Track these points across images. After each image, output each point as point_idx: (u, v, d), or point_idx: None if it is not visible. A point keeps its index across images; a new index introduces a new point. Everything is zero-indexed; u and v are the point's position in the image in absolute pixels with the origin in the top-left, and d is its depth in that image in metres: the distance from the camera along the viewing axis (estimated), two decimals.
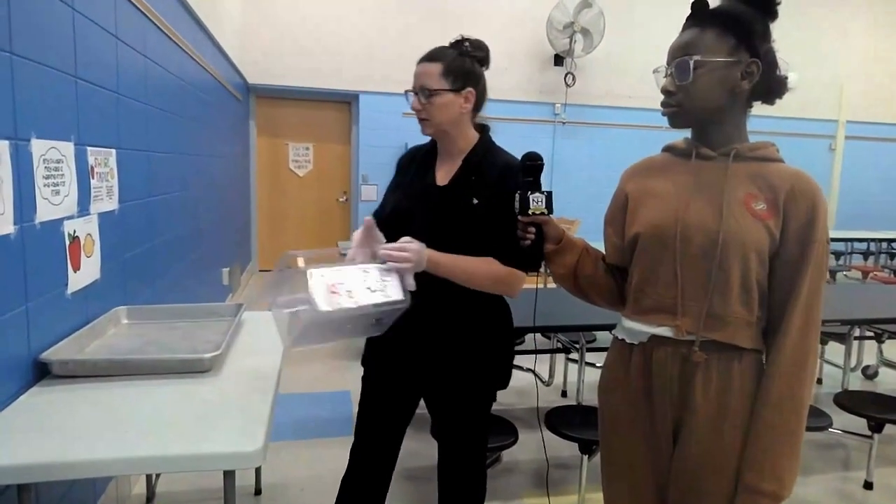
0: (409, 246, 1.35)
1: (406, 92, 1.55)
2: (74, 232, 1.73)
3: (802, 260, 1.11)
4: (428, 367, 1.57)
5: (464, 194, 1.51)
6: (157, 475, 2.18)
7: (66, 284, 1.68)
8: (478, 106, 1.55)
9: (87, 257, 1.83)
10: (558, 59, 6.81)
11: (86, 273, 1.81)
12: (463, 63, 1.50)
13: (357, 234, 1.44)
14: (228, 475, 1.23)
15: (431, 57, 1.51)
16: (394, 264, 1.34)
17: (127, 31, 2.25)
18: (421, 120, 1.53)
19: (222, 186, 4.71)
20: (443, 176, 1.57)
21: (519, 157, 1.40)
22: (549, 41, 6.63)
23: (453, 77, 1.49)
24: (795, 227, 1.11)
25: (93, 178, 1.89)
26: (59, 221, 1.64)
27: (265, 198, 6.79)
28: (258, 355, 1.72)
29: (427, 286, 1.40)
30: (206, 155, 3.95)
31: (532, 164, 1.28)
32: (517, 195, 1.26)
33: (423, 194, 1.56)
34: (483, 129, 1.60)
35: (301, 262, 1.31)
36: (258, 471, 2.36)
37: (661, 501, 1.24)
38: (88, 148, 1.85)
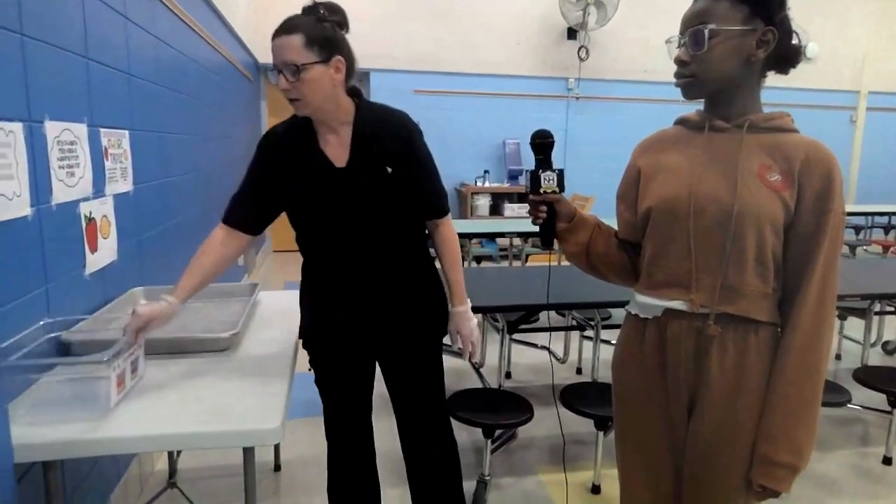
0: (475, 336, 1.62)
1: (272, 69, 1.38)
2: (91, 213, 1.74)
3: (818, 230, 1.09)
4: (377, 326, 1.56)
5: (374, 168, 1.45)
6: (179, 452, 2.23)
7: (84, 266, 1.70)
8: (349, 73, 1.43)
9: (104, 238, 1.85)
10: (571, 33, 6.69)
11: (103, 254, 1.83)
12: (324, 30, 1.37)
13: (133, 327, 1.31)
14: (248, 452, 1.24)
15: (289, 28, 1.35)
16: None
17: (137, 11, 2.24)
18: (292, 101, 1.38)
19: (235, 166, 4.72)
20: (336, 155, 1.46)
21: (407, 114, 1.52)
22: (562, 14, 6.51)
23: (318, 47, 1.35)
24: (810, 198, 1.09)
25: (107, 159, 1.89)
26: (75, 203, 1.65)
27: None
28: (275, 334, 1.73)
29: (363, 258, 1.50)
30: (218, 136, 3.95)
31: (542, 143, 1.26)
32: (528, 172, 1.25)
33: (326, 180, 1.45)
34: (356, 93, 1.49)
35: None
36: (277, 447, 2.40)
37: (677, 475, 1.24)
38: (101, 129, 1.86)
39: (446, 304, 1.63)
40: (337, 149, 1.46)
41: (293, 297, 2.07)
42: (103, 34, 1.90)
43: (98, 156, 1.82)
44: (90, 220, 1.74)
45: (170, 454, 2.21)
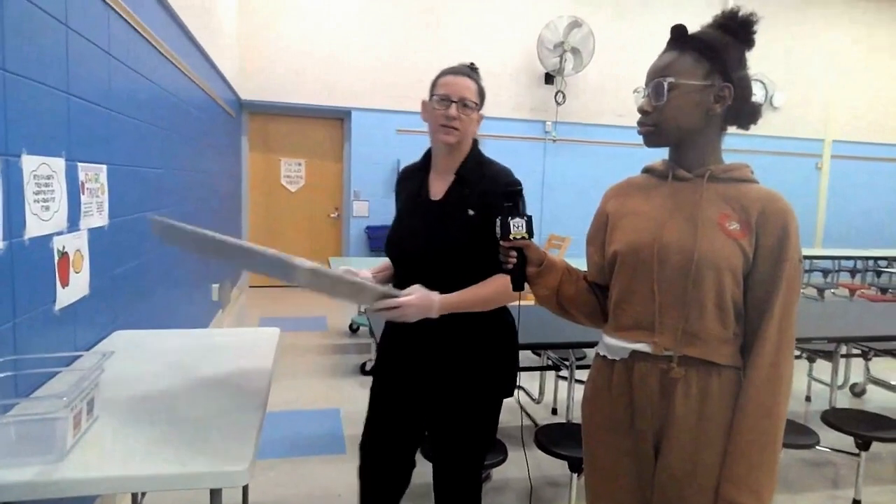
0: (406, 301, 1.45)
1: (443, 98, 1.57)
2: (63, 248, 1.73)
3: (774, 278, 1.13)
4: (438, 381, 1.59)
5: (459, 207, 1.55)
6: (144, 494, 2.16)
7: (55, 301, 1.68)
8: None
9: (76, 273, 1.83)
10: (549, 78, 6.91)
11: (74, 289, 1.81)
12: (482, 86, 1.62)
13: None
14: (215, 493, 1.22)
15: (468, 74, 1.59)
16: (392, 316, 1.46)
17: (119, 47, 2.27)
18: (451, 128, 1.56)
19: (213, 202, 4.71)
20: (437, 190, 1.62)
21: (510, 168, 1.55)
22: (540, 60, 6.73)
23: (480, 97, 1.60)
24: (767, 247, 1.14)
25: (83, 193, 1.89)
26: (49, 237, 1.64)
27: (257, 213, 6.80)
28: (247, 371, 1.71)
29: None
30: (197, 171, 3.96)
31: (511, 190, 1.31)
32: (498, 220, 1.29)
33: (420, 210, 1.61)
34: (474, 143, 1.66)
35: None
36: (245, 489, 2.34)
37: None
38: (79, 164, 1.86)
39: (514, 364, 1.66)
40: (439, 184, 1.62)
41: (267, 333, 2.06)
42: (85, 69, 1.92)
43: (74, 190, 1.81)
44: (63, 254, 1.73)
45: (134, 496, 2.15)
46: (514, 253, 1.30)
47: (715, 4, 7.12)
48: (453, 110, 1.54)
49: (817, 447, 2.47)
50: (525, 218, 1.28)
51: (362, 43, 6.49)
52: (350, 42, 6.45)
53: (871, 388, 3.96)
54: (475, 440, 1.64)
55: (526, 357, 3.49)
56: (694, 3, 7.12)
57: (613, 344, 1.26)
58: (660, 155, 1.32)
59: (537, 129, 7.03)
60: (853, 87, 7.92)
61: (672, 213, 1.21)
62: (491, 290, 1.52)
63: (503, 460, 2.18)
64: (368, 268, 1.72)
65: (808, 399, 3.77)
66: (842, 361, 3.53)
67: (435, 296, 1.47)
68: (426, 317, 1.47)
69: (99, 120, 2.06)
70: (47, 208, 1.63)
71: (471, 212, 1.54)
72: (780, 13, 7.30)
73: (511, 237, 1.27)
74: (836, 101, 7.84)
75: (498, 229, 1.29)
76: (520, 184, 1.34)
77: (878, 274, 7.18)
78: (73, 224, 1.80)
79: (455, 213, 1.56)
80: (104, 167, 2.08)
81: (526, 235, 1.28)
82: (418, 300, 1.45)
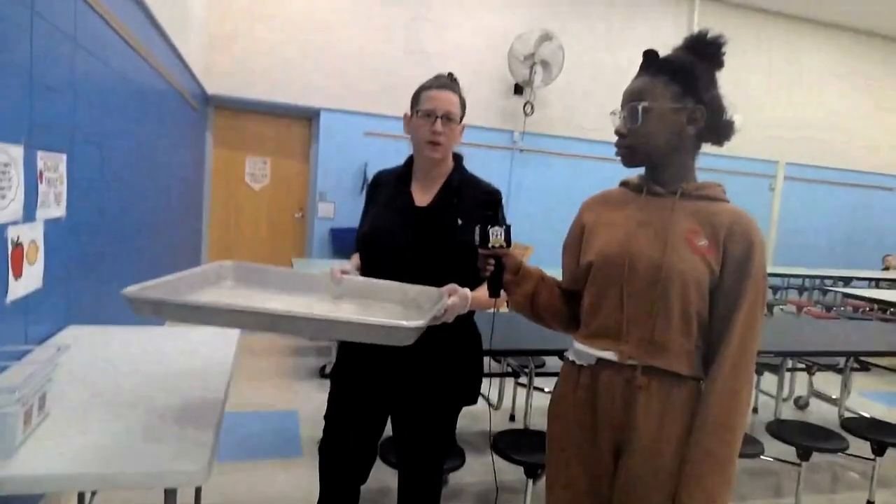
0: (452, 303, 1.38)
1: (427, 114, 1.57)
2: (18, 238, 1.68)
3: (738, 294, 1.18)
4: (399, 382, 1.60)
5: (447, 215, 1.57)
6: (94, 493, 2.10)
7: (6, 292, 1.62)
8: None
9: (30, 265, 1.77)
10: (518, 89, 6.99)
11: (27, 281, 1.75)
12: (463, 98, 1.64)
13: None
14: (170, 494, 1.20)
15: (452, 87, 1.60)
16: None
17: (86, 35, 2.21)
18: (436, 144, 1.57)
19: (175, 198, 4.61)
20: (421, 198, 1.63)
21: (493, 184, 1.57)
22: (511, 71, 6.81)
23: (463, 110, 1.63)
24: (733, 264, 1.19)
25: (41, 183, 1.83)
26: (3, 227, 1.59)
27: (218, 210, 6.66)
28: (205, 371, 1.69)
29: None
30: (159, 165, 3.87)
31: (491, 199, 1.36)
32: (477, 228, 1.31)
33: (403, 215, 1.62)
34: (458, 157, 1.69)
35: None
36: (198, 491, 2.30)
37: None
38: (39, 152, 1.80)
39: (479, 373, 1.67)
40: (423, 193, 1.63)
41: (226, 332, 2.03)
42: (50, 56, 1.87)
43: (32, 179, 1.76)
44: (17, 244, 1.67)
45: (81, 495, 2.08)
46: (492, 261, 1.32)
47: (682, 26, 7.34)
48: (438, 125, 1.56)
49: (762, 456, 2.57)
50: (504, 227, 1.31)
51: (335, 45, 6.45)
52: (323, 43, 6.40)
53: (813, 401, 4.13)
54: (438, 445, 1.65)
55: (485, 363, 3.53)
56: (664, 25, 7.33)
57: (581, 350, 1.29)
58: (621, 166, 1.36)
59: (505, 138, 7.11)
60: (806, 114, 8.27)
61: (643, 226, 1.25)
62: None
63: (461, 465, 2.20)
64: (347, 262, 1.67)
65: (755, 410, 3.92)
66: (787, 375, 3.67)
67: (467, 292, 1.44)
68: (462, 312, 1.43)
69: (61, 108, 2.00)
70: (3, 196, 1.58)
71: (459, 220, 1.56)
72: (739, 36, 7.60)
73: (490, 245, 1.30)
74: (790, 126, 8.16)
75: (477, 237, 1.31)
76: (500, 193, 1.37)
77: (824, 293, 7.49)
78: (29, 214, 1.74)
79: (443, 220, 1.58)
80: (64, 156, 2.03)
81: (504, 244, 1.30)
82: (461, 300, 1.41)
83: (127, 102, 2.90)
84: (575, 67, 7.04)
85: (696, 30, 1.26)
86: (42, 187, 1.84)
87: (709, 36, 1.23)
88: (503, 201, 1.61)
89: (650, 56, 1.24)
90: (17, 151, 1.65)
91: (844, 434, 2.67)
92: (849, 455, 2.76)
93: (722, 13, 7.59)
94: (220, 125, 6.57)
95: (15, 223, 1.65)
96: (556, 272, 1.44)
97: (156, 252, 3.85)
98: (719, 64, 1.25)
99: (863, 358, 4.20)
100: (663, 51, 1.26)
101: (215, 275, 1.62)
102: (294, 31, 6.33)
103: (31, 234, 1.77)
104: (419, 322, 1.16)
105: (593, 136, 7.19)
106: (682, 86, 1.21)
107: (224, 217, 6.70)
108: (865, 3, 7.42)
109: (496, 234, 1.30)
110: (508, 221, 1.34)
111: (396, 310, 1.47)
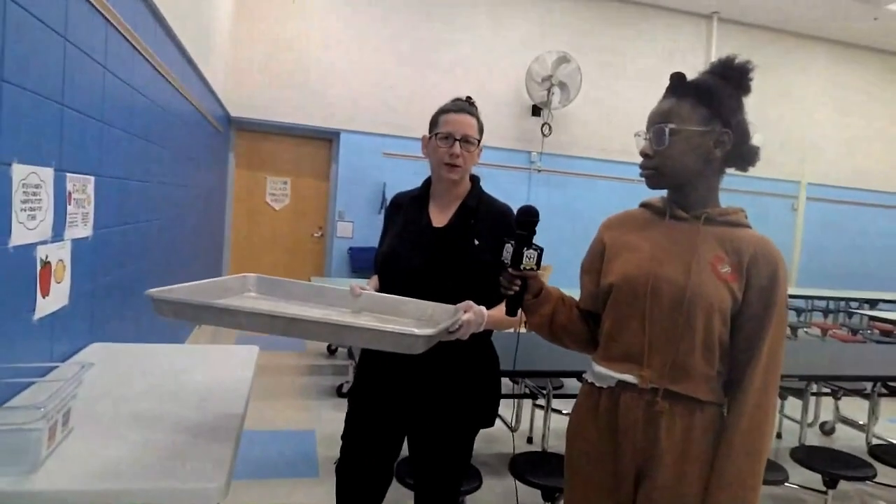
0: (467, 318, 1.36)
1: (446, 136, 1.60)
2: (47, 257, 1.72)
3: (763, 321, 1.17)
4: (417, 403, 1.60)
5: (464, 236, 1.60)
6: None
7: (34, 310, 1.66)
8: None
9: (57, 283, 1.81)
10: (536, 110, 7.04)
11: (54, 299, 1.79)
12: (481, 121, 1.67)
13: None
14: None
15: (470, 111, 1.63)
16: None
17: (116, 62, 2.29)
18: (454, 166, 1.60)
19: (197, 218, 4.70)
20: (438, 219, 1.66)
21: (509, 204, 1.59)
22: (528, 92, 6.86)
23: (480, 133, 1.65)
24: (757, 291, 1.18)
25: (69, 204, 1.88)
26: (33, 246, 1.63)
27: (239, 230, 6.76)
28: (224, 389, 1.71)
29: None
30: (182, 185, 3.95)
31: (528, 220, 1.29)
32: (509, 245, 1.28)
33: (421, 235, 1.64)
34: (475, 179, 1.71)
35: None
36: None
37: None
38: (68, 174, 1.86)
39: (496, 395, 1.67)
40: (440, 214, 1.66)
41: (243, 351, 2.05)
42: (81, 82, 1.94)
43: (61, 200, 1.81)
44: (45, 263, 1.72)
45: None
46: (518, 282, 1.30)
47: (700, 48, 7.35)
48: (457, 148, 1.59)
49: (786, 483, 2.51)
50: (538, 250, 1.28)
51: (354, 68, 6.56)
52: (342, 66, 6.52)
53: (839, 426, 4.02)
54: (455, 467, 1.65)
55: (503, 384, 3.50)
56: (681, 45, 7.35)
57: (602, 372, 1.29)
58: (642, 187, 1.36)
59: (523, 159, 7.13)
60: (829, 133, 8.18)
61: (668, 251, 1.24)
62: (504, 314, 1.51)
63: (478, 487, 2.18)
64: (367, 282, 1.73)
65: (779, 436, 3.83)
66: (812, 399, 3.59)
67: (483, 309, 1.42)
68: (477, 330, 1.41)
69: (91, 132, 2.07)
70: (33, 217, 1.62)
71: (476, 241, 1.58)
72: (759, 56, 7.58)
73: (522, 267, 1.27)
74: (812, 146, 8.08)
75: (507, 255, 1.27)
76: (537, 214, 1.31)
77: (850, 315, 7.33)
78: (57, 234, 1.79)
79: (459, 241, 1.60)
80: (92, 178, 2.09)
81: (535, 267, 1.27)
82: (477, 317, 1.39)
83: (153, 125, 2.98)
84: (593, 89, 7.07)
85: (714, 51, 1.28)
86: (70, 208, 1.89)
87: (736, 61, 1.24)
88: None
89: (677, 78, 1.24)
90: (47, 174, 1.70)
91: (872, 461, 2.59)
92: (877, 483, 2.68)
93: (741, 34, 7.60)
94: (242, 146, 6.70)
95: (44, 242, 1.70)
96: (573, 292, 1.43)
97: (177, 270, 3.91)
98: (746, 89, 1.25)
99: (891, 383, 4.10)
100: (681, 71, 1.26)
101: (239, 285, 1.64)
102: (313, 56, 6.46)
103: (59, 254, 1.82)
104: (429, 330, 1.17)
105: (610, 157, 7.18)
106: (710, 109, 1.21)
107: (245, 236, 6.79)
108: (890, 23, 7.36)
109: (529, 257, 1.27)
110: (541, 244, 1.30)
111: (413, 324, 1.47)
